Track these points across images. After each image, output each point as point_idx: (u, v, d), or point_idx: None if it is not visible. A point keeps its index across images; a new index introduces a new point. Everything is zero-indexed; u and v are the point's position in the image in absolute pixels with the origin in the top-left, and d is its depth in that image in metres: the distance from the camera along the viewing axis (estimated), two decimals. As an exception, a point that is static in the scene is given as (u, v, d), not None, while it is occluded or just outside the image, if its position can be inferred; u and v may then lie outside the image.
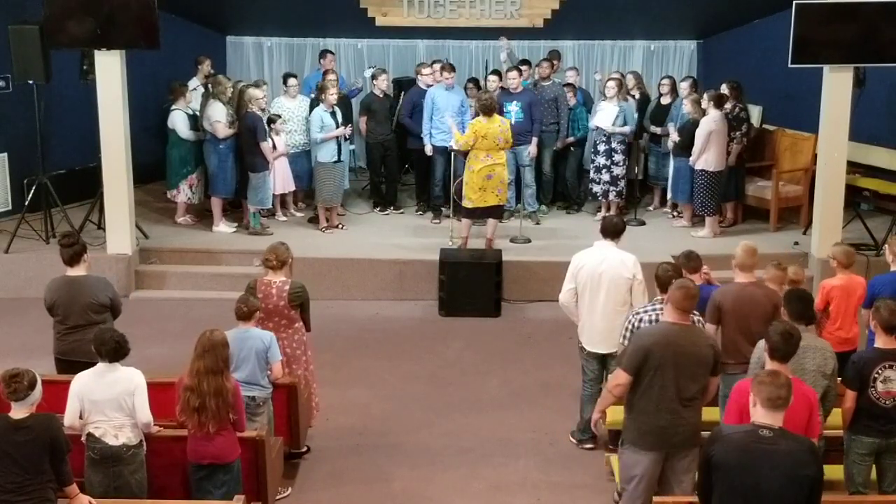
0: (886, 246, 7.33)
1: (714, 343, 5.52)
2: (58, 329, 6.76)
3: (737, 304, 6.32)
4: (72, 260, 6.72)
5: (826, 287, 7.06)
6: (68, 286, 6.72)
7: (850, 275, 7.06)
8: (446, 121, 10.57)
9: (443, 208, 11.38)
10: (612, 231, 6.94)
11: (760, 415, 4.40)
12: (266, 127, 10.50)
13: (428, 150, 11.01)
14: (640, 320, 6.01)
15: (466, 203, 9.77)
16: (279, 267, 6.75)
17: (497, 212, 9.92)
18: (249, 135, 10.37)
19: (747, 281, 6.46)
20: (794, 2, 9.43)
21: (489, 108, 9.59)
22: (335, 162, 10.72)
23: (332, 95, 10.71)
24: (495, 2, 12.07)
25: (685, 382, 5.32)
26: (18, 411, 4.97)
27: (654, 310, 6.02)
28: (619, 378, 5.47)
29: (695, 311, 6.07)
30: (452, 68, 11.18)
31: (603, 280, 6.74)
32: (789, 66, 9.67)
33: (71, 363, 6.60)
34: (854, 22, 9.42)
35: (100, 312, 6.69)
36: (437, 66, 11.24)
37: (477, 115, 9.90)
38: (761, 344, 5.62)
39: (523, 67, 11.53)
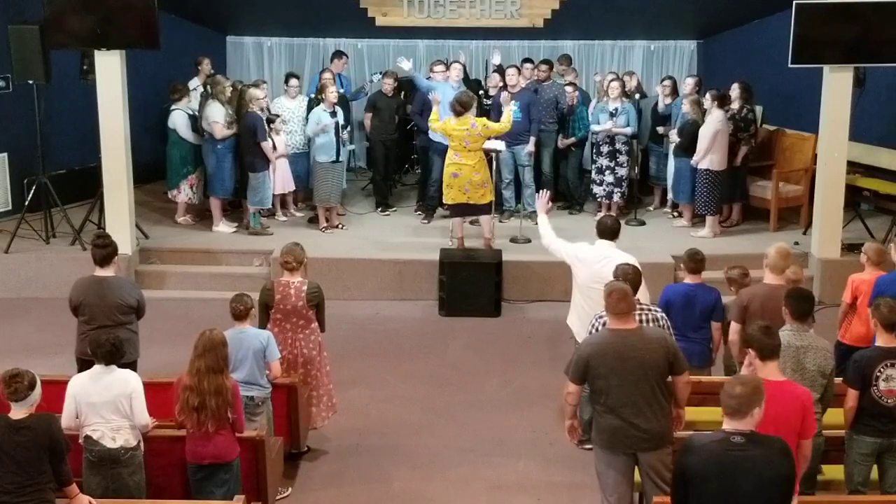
0: (892, 245, 7.33)
1: (666, 343, 5.45)
2: (82, 329, 6.71)
3: (764, 305, 6.28)
4: (103, 261, 6.69)
5: (855, 281, 7.07)
6: (96, 286, 6.68)
7: (879, 272, 7.06)
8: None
9: (440, 208, 11.38)
10: (610, 231, 6.95)
11: (727, 422, 4.41)
12: (266, 127, 10.50)
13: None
14: (605, 324, 5.98)
15: (444, 198, 9.83)
16: (297, 268, 6.76)
17: (478, 210, 9.86)
18: (249, 135, 10.38)
19: (777, 283, 6.42)
20: (794, 2, 9.44)
21: (455, 111, 9.52)
22: (333, 162, 10.72)
23: (331, 94, 10.70)
24: (495, 2, 12.06)
25: (634, 388, 5.31)
26: (18, 412, 4.97)
27: None
28: (568, 388, 5.55)
29: (657, 309, 6.06)
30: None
31: (604, 280, 6.71)
32: (789, 66, 9.68)
33: (92, 363, 6.58)
34: (854, 22, 9.43)
35: (126, 313, 6.68)
36: (457, 66, 11.20)
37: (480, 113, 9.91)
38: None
39: (528, 66, 11.54)
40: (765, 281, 6.53)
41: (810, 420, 4.98)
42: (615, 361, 5.32)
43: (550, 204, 7.80)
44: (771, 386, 4.91)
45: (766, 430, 4.75)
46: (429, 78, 11.43)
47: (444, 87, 10.91)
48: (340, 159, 10.91)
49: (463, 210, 9.83)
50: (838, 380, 5.89)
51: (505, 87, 11.12)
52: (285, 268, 6.80)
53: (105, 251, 6.69)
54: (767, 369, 4.99)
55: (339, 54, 12.27)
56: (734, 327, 6.40)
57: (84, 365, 6.64)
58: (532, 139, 10.97)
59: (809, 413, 4.97)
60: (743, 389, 4.38)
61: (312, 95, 11.47)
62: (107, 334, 5.60)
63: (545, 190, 7.87)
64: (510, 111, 9.86)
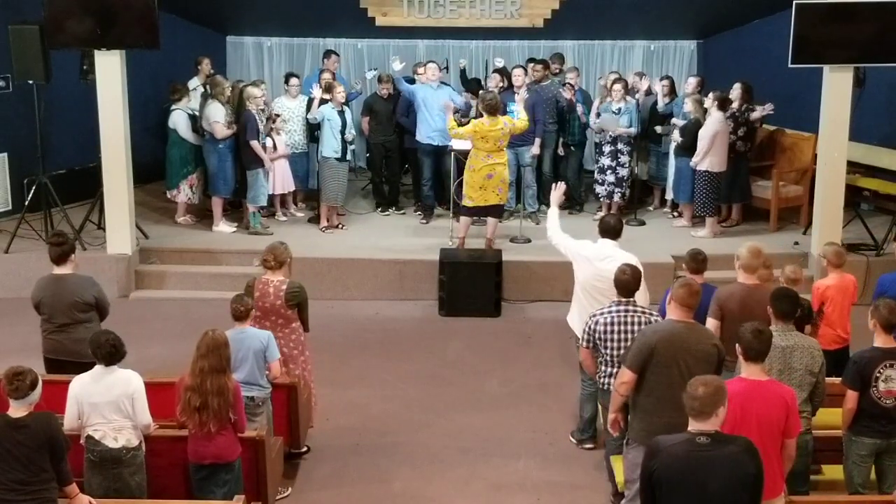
0: (894, 244, 7.32)
1: (718, 341, 5.51)
2: (44, 327, 6.79)
3: (741, 304, 6.31)
4: (59, 259, 6.73)
5: (820, 288, 7.06)
6: (53, 284, 6.73)
7: (842, 274, 7.07)
8: (430, 120, 10.74)
9: (437, 208, 11.39)
10: (614, 231, 6.95)
11: (692, 423, 4.41)
12: (258, 126, 10.50)
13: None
14: (597, 323, 5.98)
15: (467, 202, 9.78)
16: (277, 267, 6.76)
17: (497, 211, 9.93)
18: (242, 133, 10.40)
19: (751, 282, 6.44)
20: (794, 2, 9.44)
21: (494, 108, 9.55)
22: (338, 159, 10.71)
23: (339, 94, 10.71)
24: (495, 2, 12.07)
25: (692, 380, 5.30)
26: (17, 410, 4.97)
27: (609, 312, 6.01)
28: (623, 376, 5.48)
29: (652, 312, 6.06)
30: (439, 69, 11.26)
31: (605, 279, 6.71)
32: (789, 66, 9.67)
33: (57, 362, 6.63)
34: (854, 22, 9.43)
35: (85, 311, 6.69)
36: (431, 66, 11.20)
37: (479, 115, 9.89)
38: None
39: (530, 66, 11.56)
40: (739, 280, 6.52)
41: (794, 419, 4.96)
42: (680, 352, 5.29)
43: (564, 197, 7.79)
44: (753, 386, 4.92)
45: (749, 429, 4.77)
46: (413, 80, 11.43)
47: (423, 89, 10.95)
48: (347, 159, 10.91)
49: (485, 211, 9.86)
50: (832, 380, 5.90)
51: (509, 87, 11.12)
52: (265, 266, 6.82)
53: (60, 249, 6.72)
54: (751, 369, 5.00)
55: (328, 53, 12.26)
56: (712, 324, 6.37)
57: (50, 364, 6.71)
58: (537, 140, 10.99)
59: (793, 412, 4.95)
60: (705, 390, 4.37)
61: (311, 96, 11.41)
62: (106, 335, 5.59)
63: (561, 183, 7.81)
64: (522, 109, 9.93)
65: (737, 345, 5.06)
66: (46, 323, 6.76)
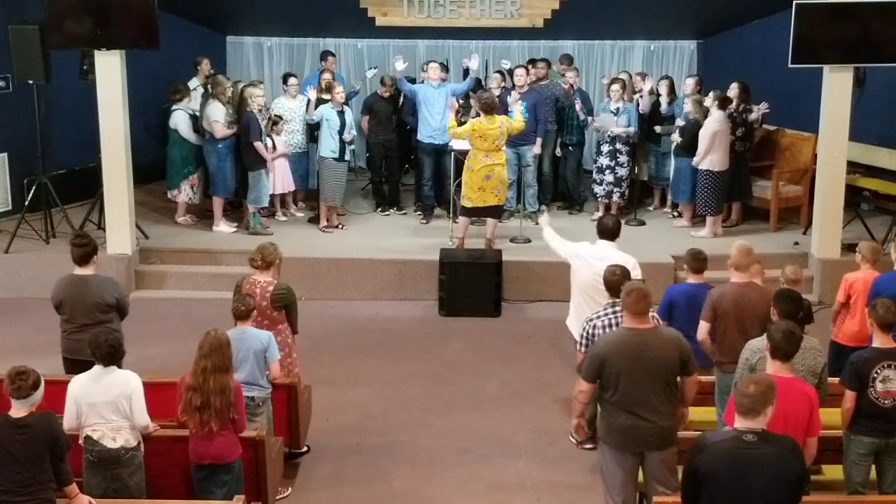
0: (893, 245, 7.33)
1: (681, 343, 5.47)
2: (64, 328, 6.78)
3: (734, 304, 6.33)
4: (81, 259, 6.73)
5: (849, 280, 7.08)
6: (75, 285, 6.72)
7: (874, 271, 7.07)
8: (430, 120, 10.78)
9: (436, 208, 11.39)
10: (611, 231, 6.97)
11: (739, 420, 4.42)
12: (261, 126, 10.50)
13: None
14: (594, 326, 5.99)
15: (465, 202, 9.77)
16: (265, 267, 6.75)
17: (496, 211, 9.93)
18: (244, 134, 10.40)
19: (743, 281, 6.45)
20: (794, 2, 9.44)
21: (490, 108, 9.55)
22: (337, 159, 10.71)
23: (339, 94, 10.71)
24: (495, 2, 12.07)
25: (649, 386, 5.32)
26: (18, 410, 4.97)
27: (605, 314, 6.02)
28: (580, 386, 5.55)
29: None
30: (444, 69, 11.30)
31: (602, 281, 6.72)
32: (789, 66, 9.68)
33: (76, 362, 6.59)
34: (854, 22, 9.44)
35: (106, 312, 6.69)
36: (433, 66, 11.20)
37: (477, 114, 9.89)
38: (751, 344, 5.62)
39: (531, 66, 11.57)
40: (731, 280, 6.52)
41: (817, 418, 5.02)
42: (631, 360, 5.31)
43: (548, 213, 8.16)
44: (780, 382, 4.93)
45: (776, 426, 4.78)
46: (422, 81, 11.43)
47: (424, 89, 10.94)
48: (346, 159, 10.91)
49: (485, 212, 9.85)
50: (833, 379, 5.90)
51: (513, 87, 11.12)
52: (252, 265, 6.82)
53: (83, 250, 6.72)
54: (776, 366, 5.04)
55: (324, 55, 12.24)
56: (703, 326, 6.39)
57: (70, 364, 6.70)
58: (539, 140, 11.00)
59: (816, 411, 5.00)
60: (756, 388, 4.39)
61: (310, 96, 11.39)
62: (105, 335, 5.59)
63: (545, 211, 8.16)
64: (520, 110, 9.93)
65: (753, 342, 5.08)
66: (67, 323, 6.75)
